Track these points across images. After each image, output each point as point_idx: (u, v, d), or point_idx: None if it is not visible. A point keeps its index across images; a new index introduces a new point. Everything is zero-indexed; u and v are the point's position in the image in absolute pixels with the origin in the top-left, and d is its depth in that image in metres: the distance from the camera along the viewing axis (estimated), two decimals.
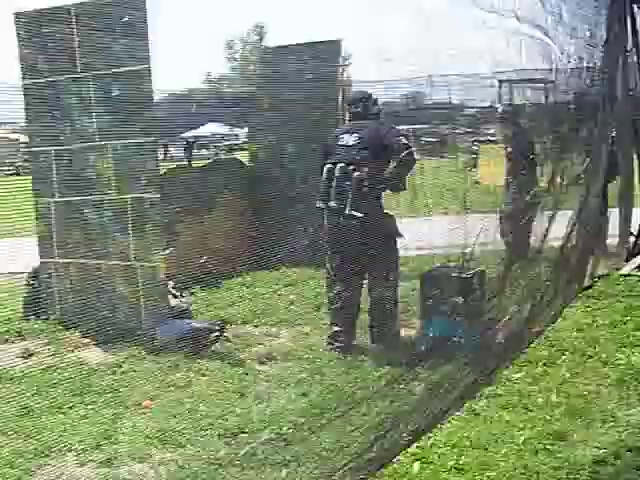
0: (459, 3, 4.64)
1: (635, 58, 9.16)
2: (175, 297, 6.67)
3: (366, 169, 5.80)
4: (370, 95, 6.35)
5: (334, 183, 5.91)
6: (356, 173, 5.81)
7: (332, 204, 5.91)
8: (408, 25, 4.85)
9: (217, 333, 6.18)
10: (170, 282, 6.65)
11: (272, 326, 6.75)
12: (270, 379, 5.41)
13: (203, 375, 5.50)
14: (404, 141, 5.92)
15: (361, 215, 5.73)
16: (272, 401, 4.93)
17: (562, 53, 6.00)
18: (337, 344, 5.92)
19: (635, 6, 8.80)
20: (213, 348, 6.05)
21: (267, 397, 5.04)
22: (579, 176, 7.14)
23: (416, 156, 6.17)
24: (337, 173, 5.91)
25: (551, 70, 6.07)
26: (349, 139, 6.03)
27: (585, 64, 6.82)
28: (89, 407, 4.94)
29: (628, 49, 8.90)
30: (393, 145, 5.84)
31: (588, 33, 6.64)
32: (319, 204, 6.10)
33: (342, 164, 5.89)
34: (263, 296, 7.63)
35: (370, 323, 6.01)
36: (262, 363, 5.82)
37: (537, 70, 6.19)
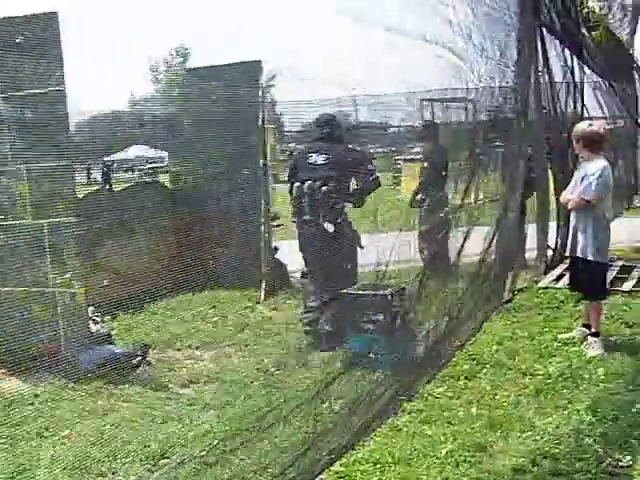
0: (370, 26, 4.74)
1: (546, 77, 9.54)
2: (96, 323, 6.54)
3: (334, 186, 6.50)
4: (335, 118, 6.93)
5: (305, 199, 6.57)
6: (324, 188, 6.50)
7: (306, 217, 6.59)
8: (327, 46, 4.93)
9: (139, 358, 6.08)
10: (90, 307, 6.51)
11: (195, 349, 6.69)
12: (193, 402, 5.34)
13: (125, 401, 5.39)
14: (370, 167, 6.73)
15: (332, 227, 6.45)
16: (194, 424, 4.87)
17: (473, 73, 6.17)
18: (309, 327, 6.62)
19: (544, 29, 9.19)
20: (135, 373, 5.94)
21: (189, 420, 4.99)
22: (496, 192, 7.33)
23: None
24: (306, 190, 6.57)
25: (464, 89, 6.26)
26: (318, 159, 6.70)
27: (497, 83, 7.03)
28: (5, 440, 4.78)
29: (540, 69, 9.26)
30: (360, 169, 6.60)
31: (498, 53, 6.84)
32: (293, 218, 6.81)
33: (311, 182, 6.56)
34: (186, 319, 7.54)
35: None
36: (185, 386, 5.76)
37: (447, 90, 6.35)
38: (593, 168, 6.47)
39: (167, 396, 5.52)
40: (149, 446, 4.57)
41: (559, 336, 6.73)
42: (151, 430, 4.84)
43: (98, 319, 6.62)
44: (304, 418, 4.09)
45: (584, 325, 6.68)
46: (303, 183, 6.63)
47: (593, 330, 6.47)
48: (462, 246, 5.81)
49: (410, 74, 5.24)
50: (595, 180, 6.39)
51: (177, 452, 4.44)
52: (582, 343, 6.49)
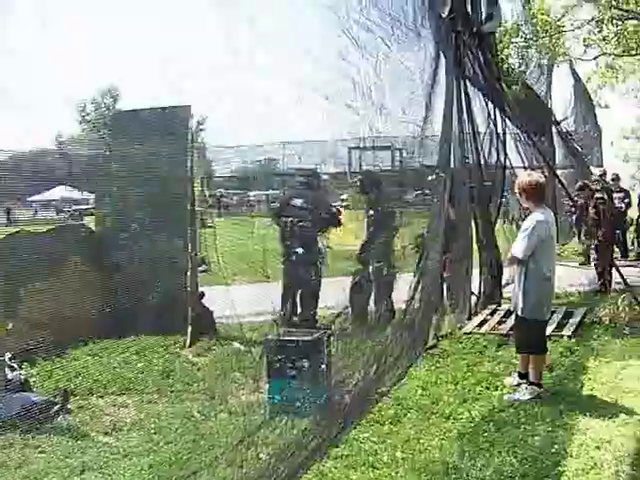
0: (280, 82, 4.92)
1: (470, 128, 9.85)
2: (13, 370, 6.31)
3: (309, 223, 8.20)
4: (315, 172, 8.54)
5: (288, 233, 8.28)
6: (300, 223, 8.18)
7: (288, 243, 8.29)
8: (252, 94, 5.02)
9: (59, 406, 5.89)
10: (7, 354, 6.30)
11: (118, 396, 6.52)
12: (115, 450, 5.20)
13: (41, 452, 5.20)
14: (334, 210, 8.59)
15: (305, 253, 8.16)
16: (116, 474, 4.74)
17: (371, 130, 6.32)
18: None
19: (468, 82, 9.53)
20: (55, 422, 5.75)
21: (111, 470, 4.85)
22: (417, 241, 7.48)
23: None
24: (288, 226, 8.27)
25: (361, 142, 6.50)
26: (297, 202, 8.46)
27: (400, 139, 7.27)
28: None
29: (464, 121, 9.57)
30: (326, 210, 8.44)
31: (401, 111, 7.03)
32: (280, 246, 8.42)
33: (292, 219, 8.24)
34: (110, 365, 7.38)
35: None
36: (107, 434, 5.60)
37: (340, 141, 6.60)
38: (527, 224, 6.43)
39: (87, 445, 5.35)
40: None
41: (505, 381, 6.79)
42: None
43: (15, 365, 6.39)
44: (229, 466, 4.04)
45: (519, 374, 6.69)
46: (287, 219, 8.32)
47: (532, 380, 6.48)
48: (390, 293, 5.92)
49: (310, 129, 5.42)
50: (526, 237, 6.32)
51: None
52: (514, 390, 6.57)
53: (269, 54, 4.77)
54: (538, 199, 6.48)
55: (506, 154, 11.40)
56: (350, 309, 6.61)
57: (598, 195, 12.05)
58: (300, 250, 8.17)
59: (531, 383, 6.47)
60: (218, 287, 8.56)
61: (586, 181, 13.20)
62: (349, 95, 5.80)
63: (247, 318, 8.32)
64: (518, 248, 6.39)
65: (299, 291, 8.39)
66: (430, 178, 8.06)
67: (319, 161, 8.07)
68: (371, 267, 7.44)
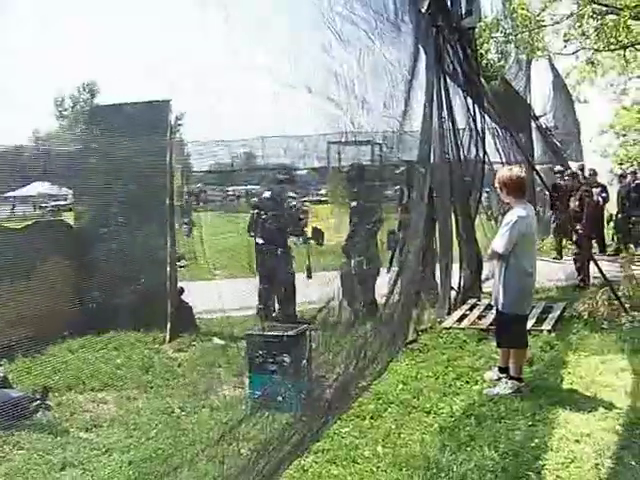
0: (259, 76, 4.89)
1: (450, 124, 9.88)
2: None
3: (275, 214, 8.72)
4: (287, 168, 8.79)
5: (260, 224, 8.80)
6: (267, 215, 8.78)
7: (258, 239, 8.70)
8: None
9: (38, 402, 5.84)
10: None
11: (98, 392, 6.49)
12: (95, 446, 5.17)
13: (20, 448, 5.16)
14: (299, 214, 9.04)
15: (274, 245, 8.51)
16: (95, 470, 4.71)
17: (353, 123, 6.30)
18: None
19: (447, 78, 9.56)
20: (34, 418, 5.70)
21: (91, 466, 4.82)
22: (397, 235, 7.50)
23: None
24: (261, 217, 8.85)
25: (341, 138, 6.48)
26: (267, 194, 9.05)
27: (380, 133, 7.26)
28: None
29: (443, 116, 9.59)
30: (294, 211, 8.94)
31: (382, 106, 7.03)
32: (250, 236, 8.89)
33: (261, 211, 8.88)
34: (88, 361, 7.33)
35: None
36: (87, 430, 5.57)
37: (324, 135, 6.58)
38: (507, 218, 6.43)
39: (67, 441, 5.31)
40: None
41: (485, 375, 6.81)
42: (49, 478, 4.65)
43: None
44: (210, 461, 4.02)
45: (500, 368, 6.71)
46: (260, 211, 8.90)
47: (512, 374, 6.51)
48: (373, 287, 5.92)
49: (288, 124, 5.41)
50: (507, 232, 6.31)
51: None
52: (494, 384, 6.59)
53: (249, 47, 4.75)
54: (519, 194, 6.46)
55: (485, 150, 11.44)
56: (343, 301, 6.54)
57: (584, 188, 12.14)
58: (271, 245, 8.39)
59: (511, 377, 6.49)
60: (198, 282, 8.54)
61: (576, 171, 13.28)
62: (331, 89, 5.79)
63: (227, 313, 8.28)
64: (499, 243, 6.40)
65: (274, 287, 8.43)
66: (408, 173, 8.07)
67: (298, 156, 8.01)
68: (355, 260, 7.42)
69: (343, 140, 6.79)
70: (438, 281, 9.73)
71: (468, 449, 5.09)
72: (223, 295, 6.76)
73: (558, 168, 16.86)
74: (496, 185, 6.66)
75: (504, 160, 12.63)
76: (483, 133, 11.19)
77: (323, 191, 9.86)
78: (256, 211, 8.97)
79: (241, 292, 7.25)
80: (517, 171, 6.67)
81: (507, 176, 6.49)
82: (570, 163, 21.51)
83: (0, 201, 9.88)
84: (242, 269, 8.40)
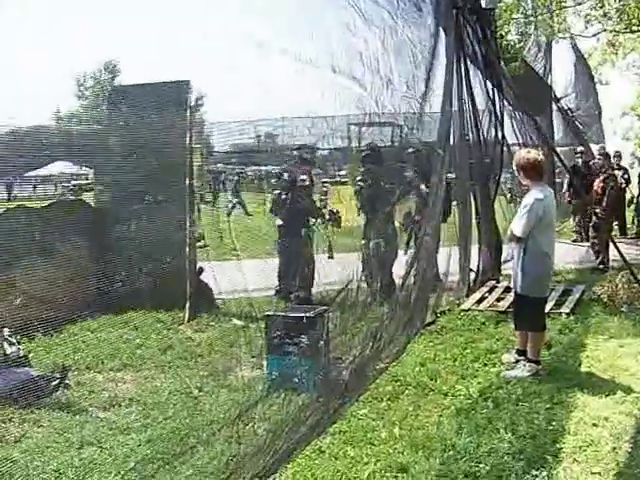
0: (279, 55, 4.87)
1: (470, 106, 9.80)
2: (11, 345, 6.31)
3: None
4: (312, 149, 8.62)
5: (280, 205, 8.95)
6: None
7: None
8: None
9: (57, 381, 5.89)
10: (5, 329, 6.29)
11: (116, 371, 6.53)
12: (112, 426, 5.21)
13: (40, 426, 5.21)
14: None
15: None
16: (113, 449, 4.75)
17: (377, 104, 6.28)
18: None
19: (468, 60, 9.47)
20: (53, 397, 5.76)
21: (109, 445, 4.86)
22: (414, 217, 7.46)
23: None
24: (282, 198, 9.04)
25: (365, 117, 6.44)
26: (286, 175, 9.06)
27: (402, 114, 7.21)
28: None
29: (464, 97, 9.51)
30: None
31: (405, 86, 7.00)
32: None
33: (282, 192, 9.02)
34: (108, 341, 7.37)
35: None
36: (105, 410, 5.60)
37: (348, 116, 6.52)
38: (525, 201, 6.42)
39: (85, 420, 5.35)
40: (64, 473, 4.43)
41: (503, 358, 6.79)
42: (67, 456, 4.69)
43: (14, 340, 6.39)
44: (226, 441, 4.05)
45: (518, 351, 6.70)
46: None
47: (530, 357, 6.51)
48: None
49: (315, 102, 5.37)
50: (525, 214, 6.32)
51: (95, 478, 4.31)
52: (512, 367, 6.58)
53: (270, 26, 4.72)
54: (537, 176, 6.45)
55: (503, 132, 11.35)
56: (361, 283, 6.55)
57: (611, 172, 12.03)
58: (291, 226, 8.38)
59: (529, 360, 6.48)
60: (219, 262, 8.55)
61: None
62: (356, 68, 5.75)
63: (248, 294, 8.30)
64: (517, 226, 6.39)
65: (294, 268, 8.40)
66: (427, 154, 8.02)
67: (319, 136, 7.96)
68: (373, 241, 7.40)
69: (366, 121, 6.77)
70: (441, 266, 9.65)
71: (485, 432, 5.10)
72: (244, 276, 6.79)
73: (580, 149, 16.70)
74: (514, 167, 6.64)
75: (521, 142, 12.53)
76: (502, 115, 11.09)
77: (343, 172, 9.83)
78: (277, 192, 8.94)
79: (262, 272, 7.25)
80: (534, 153, 6.67)
81: (525, 158, 6.49)
82: (591, 145, 21.30)
83: (21, 180, 9.95)
84: (263, 250, 8.41)
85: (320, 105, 5.78)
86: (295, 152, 8.74)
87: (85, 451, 4.76)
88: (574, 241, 15.20)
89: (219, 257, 8.57)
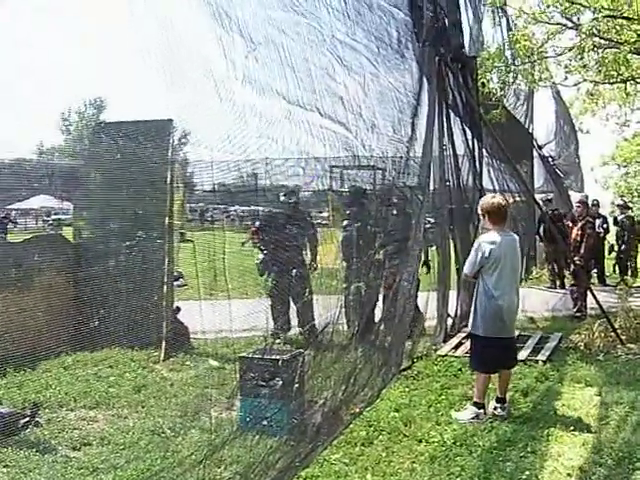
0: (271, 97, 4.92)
1: (450, 151, 9.92)
2: None
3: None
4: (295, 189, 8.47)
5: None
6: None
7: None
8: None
9: (28, 419, 5.80)
10: None
11: (89, 409, 6.45)
12: (82, 466, 5.13)
13: (6, 466, 5.11)
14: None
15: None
16: None
17: (363, 146, 6.40)
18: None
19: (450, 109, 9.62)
20: (22, 435, 5.66)
21: None
22: (393, 261, 7.49)
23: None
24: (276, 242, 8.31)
25: (355, 160, 6.52)
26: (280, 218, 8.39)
27: (390, 157, 7.31)
28: None
29: (444, 143, 9.64)
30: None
31: (391, 130, 7.13)
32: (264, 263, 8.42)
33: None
34: (82, 378, 7.29)
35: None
36: (75, 449, 5.52)
37: (338, 158, 6.57)
38: (475, 243, 6.77)
39: (54, 459, 5.27)
40: None
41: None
42: None
43: None
44: None
45: (497, 398, 6.69)
46: None
47: (474, 398, 6.59)
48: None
49: (303, 144, 5.42)
50: (471, 255, 6.62)
51: None
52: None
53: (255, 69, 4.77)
54: (499, 221, 6.62)
55: (481, 178, 11.47)
56: (340, 326, 6.53)
57: (589, 218, 12.18)
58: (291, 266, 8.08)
59: (473, 403, 6.56)
60: (195, 302, 8.50)
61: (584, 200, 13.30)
62: (339, 112, 5.83)
63: (223, 334, 8.26)
64: (466, 265, 6.76)
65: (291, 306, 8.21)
66: (407, 198, 8.09)
67: (302, 178, 8.01)
68: (354, 285, 7.40)
69: (354, 163, 6.83)
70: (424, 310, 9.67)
71: (458, 479, 5.06)
72: (220, 316, 6.75)
73: (550, 196, 16.94)
74: (479, 212, 6.82)
75: (498, 189, 12.68)
76: (481, 162, 11.23)
77: (325, 214, 9.85)
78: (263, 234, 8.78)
79: (240, 313, 7.20)
80: (499, 199, 6.93)
81: (489, 203, 6.69)
82: (571, 193, 21.55)
83: (2, 213, 9.91)
84: (241, 290, 8.35)
85: (308, 146, 5.82)
86: (279, 192, 8.72)
87: None
88: (549, 287, 15.36)
89: (196, 296, 8.52)
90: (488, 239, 6.54)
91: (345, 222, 8.06)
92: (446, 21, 9.28)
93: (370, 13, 6.84)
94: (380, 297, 7.53)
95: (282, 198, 8.59)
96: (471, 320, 6.69)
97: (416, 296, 9.14)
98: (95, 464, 5.13)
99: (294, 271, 8.13)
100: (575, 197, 18.24)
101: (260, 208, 9.83)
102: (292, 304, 7.80)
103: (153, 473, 4.75)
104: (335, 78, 5.83)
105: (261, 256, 8.56)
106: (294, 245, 8.20)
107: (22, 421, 5.73)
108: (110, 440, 5.67)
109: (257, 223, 8.65)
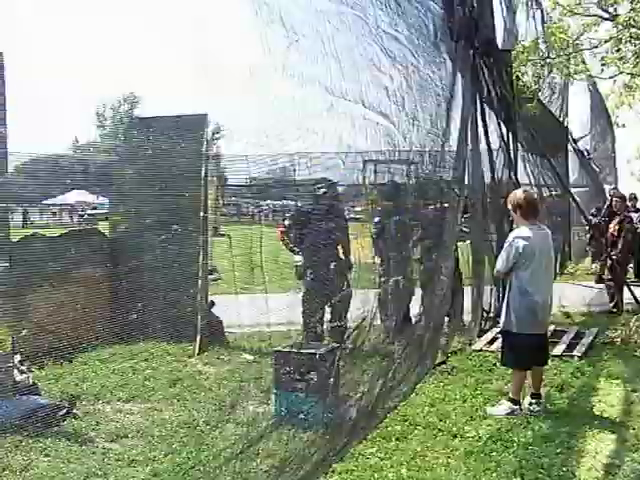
0: (312, 88, 4.88)
1: (485, 145, 9.84)
2: (22, 372, 6.32)
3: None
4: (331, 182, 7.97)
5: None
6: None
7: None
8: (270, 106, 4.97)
9: (65, 410, 5.89)
10: (17, 356, 6.31)
11: (125, 402, 6.52)
12: (119, 457, 5.19)
13: (46, 455, 5.20)
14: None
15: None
16: None
17: (405, 139, 6.38)
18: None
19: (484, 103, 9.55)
20: (61, 426, 5.75)
21: (114, 476, 4.84)
22: (429, 255, 7.45)
23: None
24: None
25: (395, 153, 6.48)
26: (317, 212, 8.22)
27: (428, 150, 7.27)
28: None
29: (479, 137, 9.56)
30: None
31: (429, 123, 7.09)
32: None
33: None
34: (118, 371, 7.38)
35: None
36: (112, 441, 5.58)
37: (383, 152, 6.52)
38: (507, 239, 6.62)
39: (92, 450, 5.34)
40: None
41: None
42: None
43: (24, 368, 6.40)
44: (231, 476, 4.01)
45: (532, 394, 6.61)
46: None
47: (510, 395, 6.52)
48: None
49: (345, 137, 5.39)
50: (504, 251, 6.50)
51: None
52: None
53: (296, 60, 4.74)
54: (530, 215, 6.51)
55: (516, 172, 11.38)
56: (376, 321, 6.51)
57: (626, 214, 12.01)
58: (328, 260, 7.93)
59: (509, 399, 6.49)
60: (229, 296, 8.55)
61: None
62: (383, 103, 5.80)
63: (258, 328, 8.30)
64: (498, 262, 6.64)
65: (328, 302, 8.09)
66: (442, 195, 8.04)
67: (337, 172, 7.97)
68: (391, 279, 7.36)
69: (391, 158, 6.80)
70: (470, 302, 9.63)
71: (494, 475, 5.02)
72: (254, 310, 6.79)
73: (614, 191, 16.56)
74: (508, 206, 6.70)
75: (533, 183, 12.55)
76: (515, 156, 11.14)
77: (359, 208, 9.82)
78: (297, 227, 8.47)
79: (272, 307, 7.22)
80: (530, 193, 6.91)
81: (519, 197, 6.58)
82: (605, 186, 21.25)
83: (38, 208, 10.06)
84: (276, 284, 8.36)
85: (350, 139, 5.78)
86: (314, 187, 8.63)
87: None
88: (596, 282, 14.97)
89: (231, 290, 8.57)
90: (520, 234, 6.44)
91: (377, 218, 7.99)
92: (480, 15, 9.19)
93: (408, 4, 6.80)
94: (417, 291, 7.49)
95: (320, 191, 8.46)
96: (503, 317, 6.58)
97: (463, 290, 9.15)
98: (132, 456, 5.19)
99: (332, 265, 8.01)
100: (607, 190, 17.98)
101: (293, 203, 9.85)
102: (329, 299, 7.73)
103: (189, 467, 4.79)
104: (381, 69, 5.80)
105: (298, 258, 8.41)
106: (331, 241, 8.09)
107: (60, 413, 5.82)
108: (146, 433, 5.72)
109: (286, 222, 8.55)
